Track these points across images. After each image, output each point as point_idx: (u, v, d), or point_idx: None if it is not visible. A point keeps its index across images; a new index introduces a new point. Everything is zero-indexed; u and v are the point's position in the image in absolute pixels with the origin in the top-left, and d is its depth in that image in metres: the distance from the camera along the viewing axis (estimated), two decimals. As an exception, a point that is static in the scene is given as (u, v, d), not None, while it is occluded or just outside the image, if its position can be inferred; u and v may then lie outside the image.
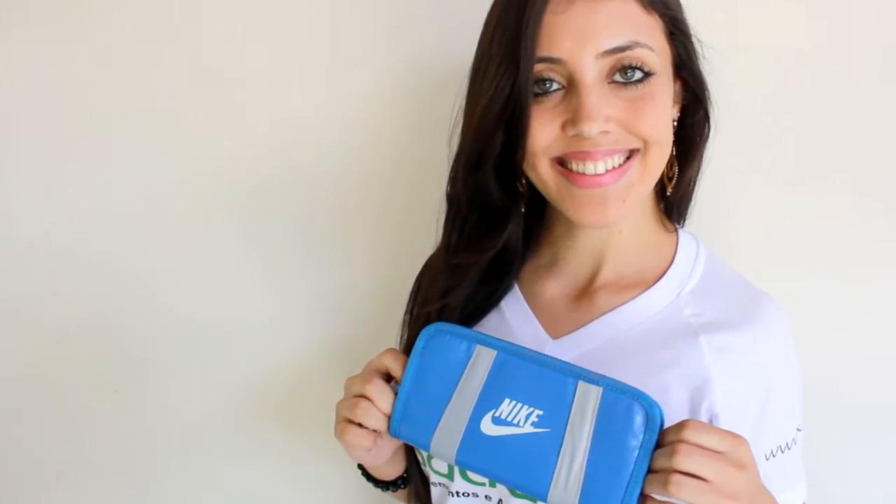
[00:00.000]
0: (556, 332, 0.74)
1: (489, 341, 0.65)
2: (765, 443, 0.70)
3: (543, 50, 0.65)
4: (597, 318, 0.72)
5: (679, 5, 0.72)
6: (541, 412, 0.61)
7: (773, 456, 0.71)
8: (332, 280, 1.07)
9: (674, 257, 0.74)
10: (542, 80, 0.67)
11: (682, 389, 0.67)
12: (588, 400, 0.60)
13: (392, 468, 0.84)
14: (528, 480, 0.62)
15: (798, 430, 0.75)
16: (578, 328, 0.73)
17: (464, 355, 0.65)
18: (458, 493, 0.76)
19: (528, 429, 0.61)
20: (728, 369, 0.68)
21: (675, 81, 0.71)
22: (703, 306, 0.71)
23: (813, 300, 0.94)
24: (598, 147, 0.66)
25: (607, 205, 0.68)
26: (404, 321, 0.84)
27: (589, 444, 0.60)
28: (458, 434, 0.63)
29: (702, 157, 0.76)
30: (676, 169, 0.74)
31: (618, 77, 0.66)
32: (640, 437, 0.59)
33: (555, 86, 0.67)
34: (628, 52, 0.65)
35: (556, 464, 0.60)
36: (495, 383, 0.63)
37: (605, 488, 0.59)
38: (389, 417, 0.68)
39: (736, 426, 0.63)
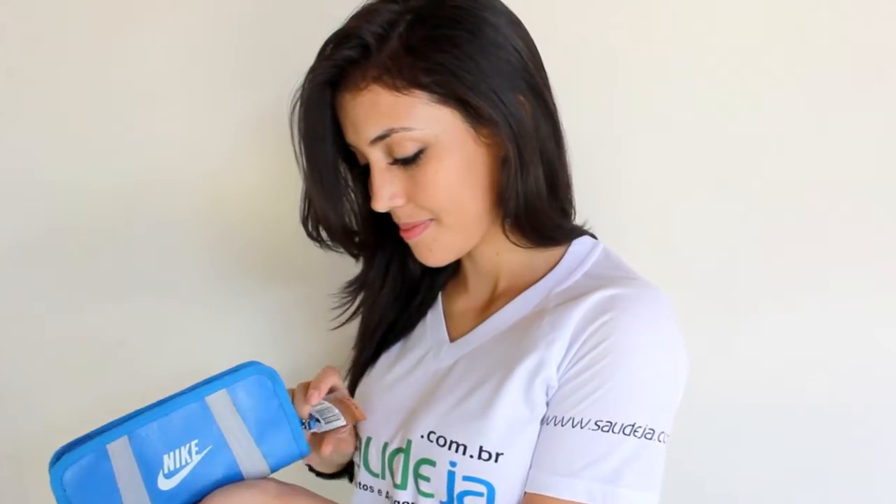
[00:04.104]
0: (455, 336, 0.84)
1: (113, 434, 0.67)
2: (556, 408, 0.71)
3: (346, 137, 0.76)
4: (484, 321, 0.82)
5: (462, 63, 0.70)
6: (196, 440, 0.69)
7: (556, 424, 0.71)
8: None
9: (554, 266, 0.81)
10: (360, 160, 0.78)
11: (527, 367, 0.73)
12: (222, 403, 0.70)
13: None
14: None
15: (605, 423, 0.69)
16: (471, 331, 0.82)
17: (103, 462, 0.66)
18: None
19: (197, 458, 0.69)
20: (557, 339, 0.72)
21: (483, 128, 0.73)
22: (564, 298, 0.76)
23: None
24: (399, 219, 0.78)
25: (421, 252, 0.80)
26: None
27: (246, 430, 0.71)
28: None
29: (521, 188, 0.74)
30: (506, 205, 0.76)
31: (396, 156, 0.73)
32: (278, 394, 0.72)
33: (365, 162, 0.77)
34: (387, 139, 0.72)
35: (236, 461, 0.70)
36: (146, 455, 0.67)
37: (281, 446, 0.72)
38: None
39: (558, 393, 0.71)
